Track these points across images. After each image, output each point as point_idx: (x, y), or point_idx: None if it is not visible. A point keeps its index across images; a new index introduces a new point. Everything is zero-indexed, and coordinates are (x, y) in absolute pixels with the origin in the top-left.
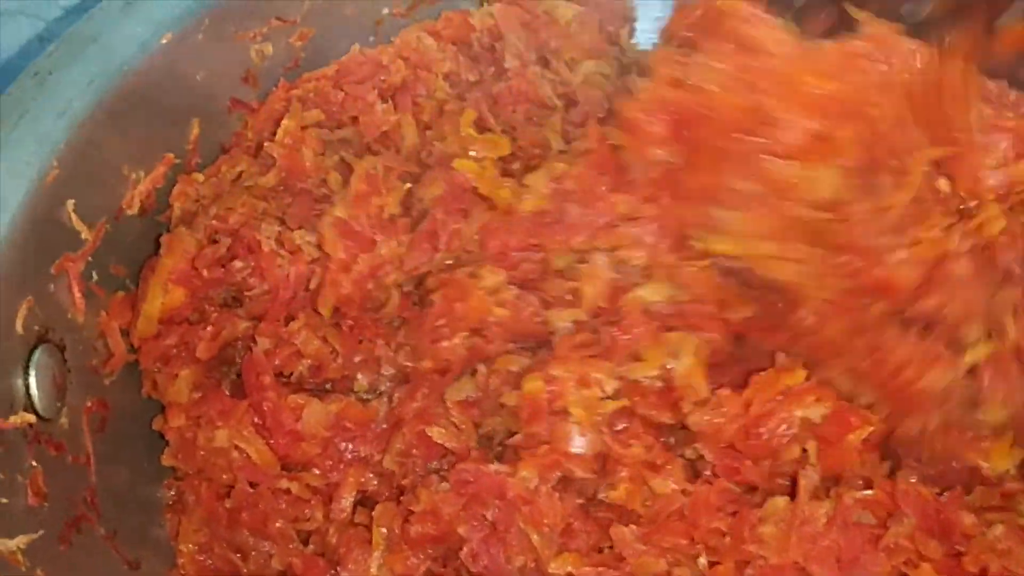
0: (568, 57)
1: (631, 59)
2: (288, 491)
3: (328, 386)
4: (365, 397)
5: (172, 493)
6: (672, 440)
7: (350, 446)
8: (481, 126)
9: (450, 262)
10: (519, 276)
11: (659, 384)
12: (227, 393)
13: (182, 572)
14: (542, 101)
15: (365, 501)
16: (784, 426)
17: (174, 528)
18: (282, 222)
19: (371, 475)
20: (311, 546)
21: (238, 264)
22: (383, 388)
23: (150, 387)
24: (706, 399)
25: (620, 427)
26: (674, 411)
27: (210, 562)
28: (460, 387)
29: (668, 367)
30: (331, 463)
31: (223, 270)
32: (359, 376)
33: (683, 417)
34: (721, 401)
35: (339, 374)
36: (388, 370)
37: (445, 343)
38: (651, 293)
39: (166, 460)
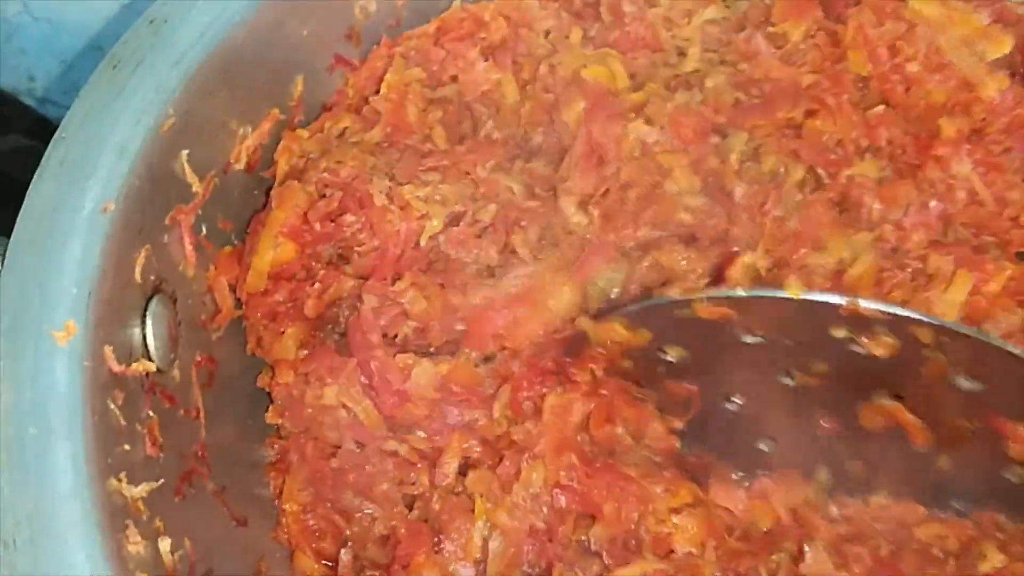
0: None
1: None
2: (395, 453)
3: (432, 349)
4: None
5: (275, 451)
6: None
7: (455, 410)
8: None
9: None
10: None
11: None
12: (334, 350)
13: (285, 531)
14: (660, 46)
15: (469, 469)
16: None
17: (278, 487)
18: (391, 177)
19: (474, 441)
20: (415, 511)
21: (349, 218)
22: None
23: (255, 344)
24: None
25: None
26: None
27: (313, 522)
28: None
29: None
30: (436, 426)
31: (334, 225)
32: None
33: None
34: None
35: (444, 338)
36: None
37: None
38: None
39: (270, 418)
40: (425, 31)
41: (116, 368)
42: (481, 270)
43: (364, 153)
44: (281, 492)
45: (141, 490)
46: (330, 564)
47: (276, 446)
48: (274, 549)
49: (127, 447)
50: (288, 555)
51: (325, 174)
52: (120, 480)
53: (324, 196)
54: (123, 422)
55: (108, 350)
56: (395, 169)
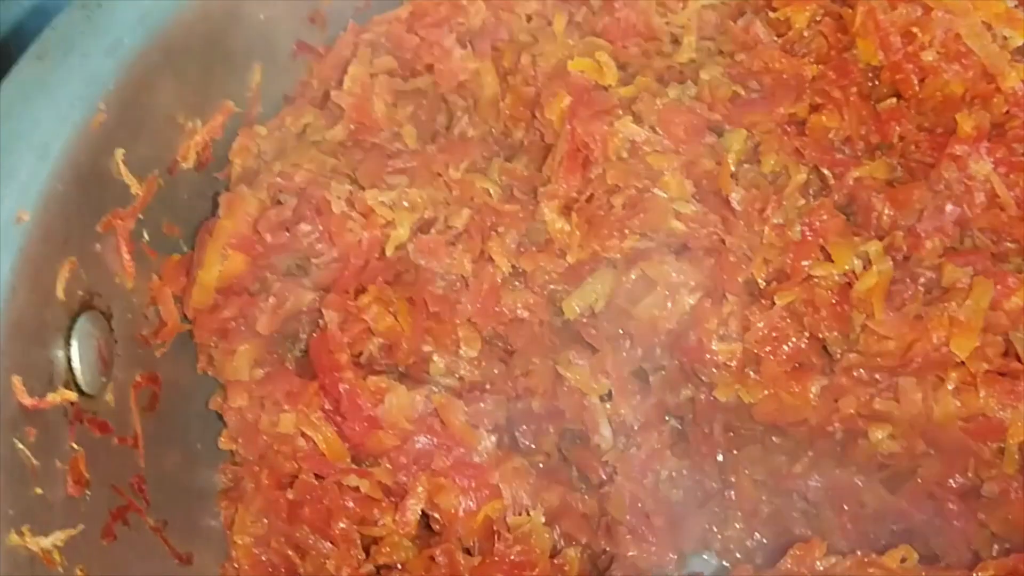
0: None
1: None
2: (357, 489)
3: (401, 369)
4: (442, 381)
5: (229, 479)
6: None
7: (430, 445)
8: None
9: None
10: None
11: None
12: (293, 372)
13: (235, 566)
14: (653, 34)
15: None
16: None
17: (229, 518)
18: (353, 181)
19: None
20: (369, 562)
21: (305, 228)
22: (462, 372)
23: (205, 362)
24: None
25: None
26: None
27: (266, 557)
28: None
29: None
30: (405, 460)
31: (288, 235)
32: (435, 358)
33: None
34: None
35: (413, 356)
36: (469, 351)
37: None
38: None
39: (224, 443)
40: (397, 15)
41: (27, 401)
42: (458, 281)
43: (324, 154)
44: (233, 523)
45: (55, 539)
46: None
47: (229, 473)
48: None
49: (39, 490)
50: None
51: (278, 179)
52: (23, 534)
53: (278, 203)
54: (35, 462)
55: (16, 381)
56: (358, 171)
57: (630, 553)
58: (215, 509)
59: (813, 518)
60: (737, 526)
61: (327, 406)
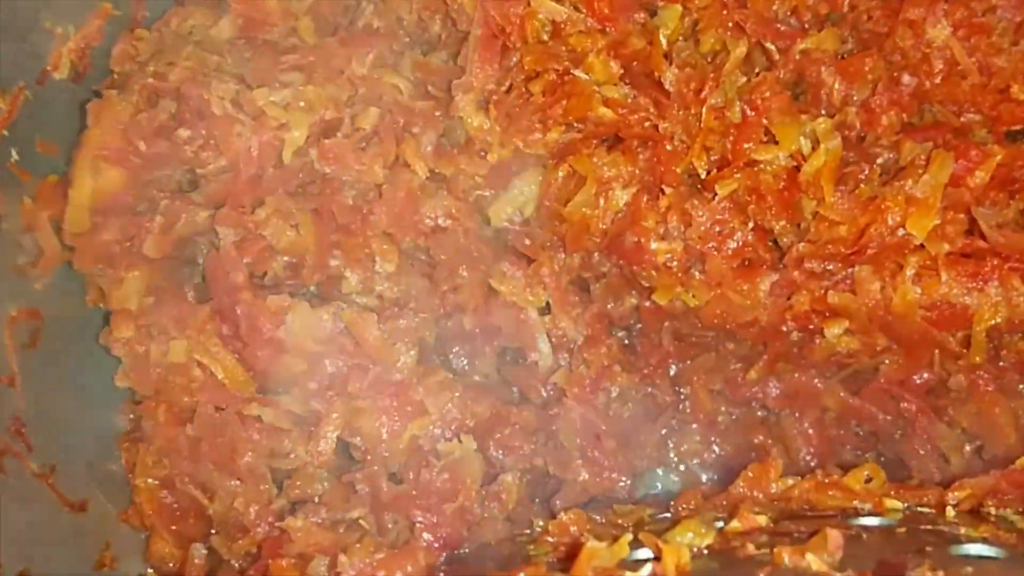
0: None
1: None
2: (259, 419)
3: (313, 288)
4: (355, 300)
5: (129, 420)
6: None
7: (343, 367)
8: None
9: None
10: None
11: None
12: (190, 298)
13: (139, 511)
14: None
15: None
16: None
17: (131, 461)
18: (240, 80)
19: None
20: (282, 496)
21: (184, 133)
22: (380, 289)
23: (96, 294)
24: None
25: None
26: None
27: (171, 499)
28: None
29: None
30: (316, 385)
31: (167, 143)
32: (347, 274)
33: None
34: None
35: (319, 273)
36: (385, 266)
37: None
38: None
39: (119, 380)
40: None
41: None
42: (368, 189)
43: (206, 52)
44: (135, 466)
45: None
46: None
47: (130, 413)
48: (125, 535)
49: None
50: (144, 540)
51: (152, 80)
52: None
53: (153, 107)
54: None
55: None
56: (247, 70)
57: (581, 478)
58: (116, 453)
59: (774, 426)
60: (695, 439)
61: (226, 331)
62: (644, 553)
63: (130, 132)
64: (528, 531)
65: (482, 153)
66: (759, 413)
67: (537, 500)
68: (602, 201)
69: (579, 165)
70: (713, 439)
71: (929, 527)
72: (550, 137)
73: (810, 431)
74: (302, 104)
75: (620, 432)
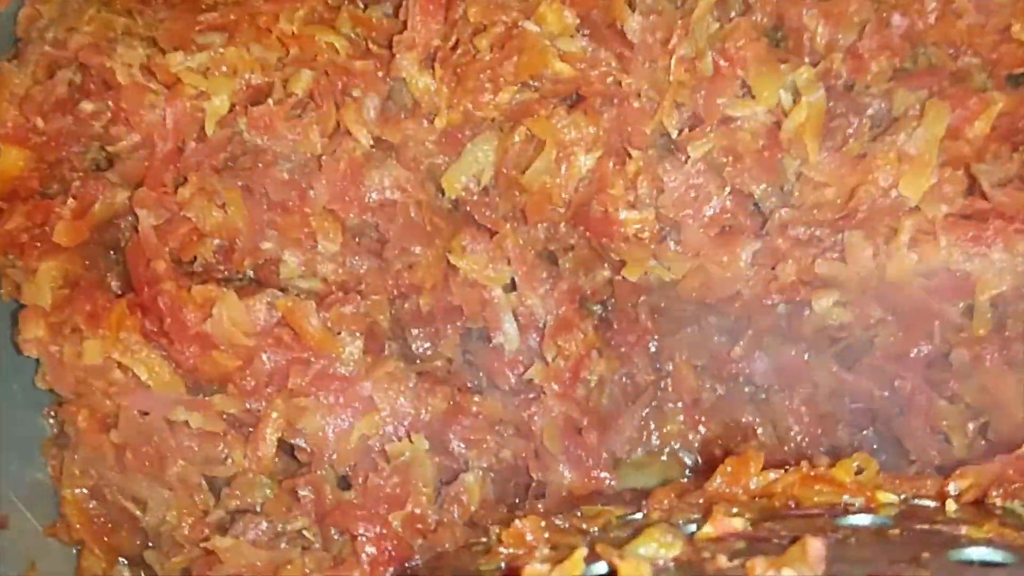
0: None
1: None
2: (187, 424)
3: (250, 273)
4: (299, 285)
5: (55, 424)
6: None
7: (282, 361)
8: None
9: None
10: None
11: None
12: (115, 291)
13: (68, 524)
14: None
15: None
16: None
17: (57, 469)
18: (152, 44)
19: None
20: (220, 507)
21: (88, 107)
22: (324, 272)
23: (11, 287)
24: None
25: None
26: None
27: (101, 511)
28: None
29: None
30: (253, 383)
31: (71, 118)
32: (286, 256)
33: None
34: None
35: (251, 257)
36: (328, 246)
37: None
38: None
39: (39, 382)
40: None
41: None
42: (306, 161)
43: (113, 14)
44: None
45: None
46: (128, 563)
47: (56, 416)
48: (53, 551)
49: None
50: (75, 555)
51: (49, 48)
52: None
53: (50, 79)
54: None
55: None
56: (158, 32)
57: (566, 480)
58: (42, 460)
59: (762, 403)
60: (678, 420)
61: (149, 327)
62: (603, 567)
63: (25, 107)
64: (485, 539)
65: (431, 117)
66: (746, 390)
67: (509, 500)
68: (564, 167)
69: (536, 128)
70: (698, 418)
71: (927, 527)
72: (502, 98)
73: (801, 408)
74: (223, 69)
75: (600, 420)
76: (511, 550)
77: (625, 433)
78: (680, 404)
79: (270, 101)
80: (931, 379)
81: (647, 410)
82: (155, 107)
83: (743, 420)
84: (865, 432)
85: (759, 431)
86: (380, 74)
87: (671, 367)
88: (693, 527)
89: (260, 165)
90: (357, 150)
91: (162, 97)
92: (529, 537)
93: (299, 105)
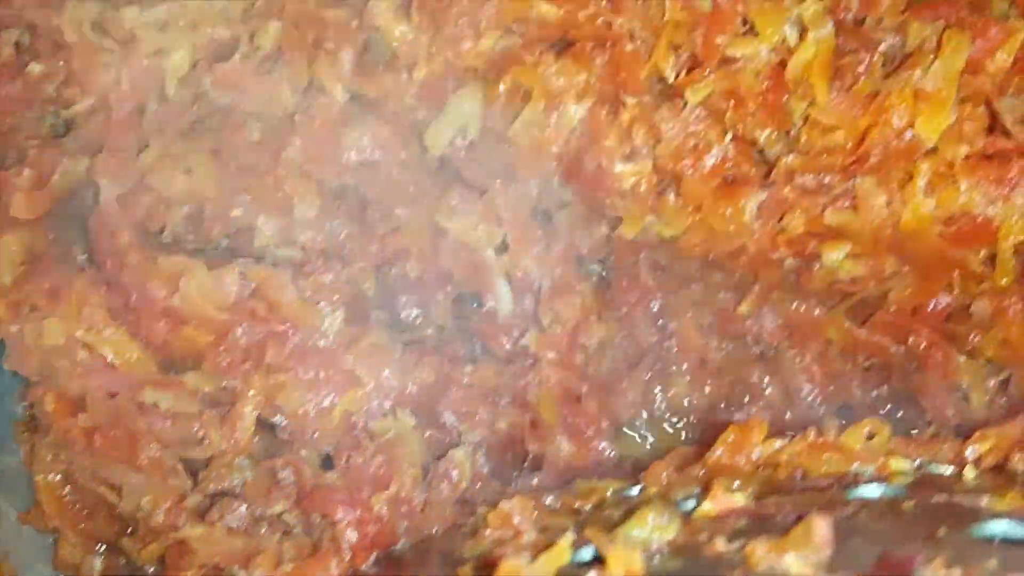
0: None
1: None
2: (156, 406)
3: (224, 242)
4: (276, 253)
5: (24, 406)
6: None
7: (259, 335)
8: None
9: None
10: None
11: None
12: (81, 265)
13: (43, 511)
14: None
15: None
16: None
17: (29, 454)
18: None
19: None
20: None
21: (37, 68)
22: (302, 239)
23: None
24: None
25: None
26: None
27: (76, 497)
28: None
29: None
30: (229, 359)
31: (20, 82)
32: (260, 223)
33: None
34: None
35: (221, 225)
36: (306, 210)
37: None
38: None
39: (6, 362)
40: None
41: None
42: (278, 121)
43: None
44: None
45: None
46: (106, 550)
47: (28, 399)
48: (28, 539)
49: None
50: (52, 543)
51: None
52: None
53: None
54: None
55: None
56: None
57: (563, 452)
58: (14, 444)
59: (771, 361)
60: (684, 381)
61: (116, 303)
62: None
63: None
64: (473, 519)
65: (410, 69)
66: (754, 348)
67: (505, 474)
68: (553, 118)
69: (523, 77)
70: (704, 379)
71: (943, 499)
72: (484, 45)
73: (813, 367)
74: (183, 23)
75: (600, 388)
76: (498, 533)
77: (627, 398)
78: (685, 365)
79: (236, 57)
80: (950, 333)
81: (650, 373)
82: (110, 67)
83: (752, 380)
84: (880, 391)
85: (767, 391)
86: (354, 24)
87: (675, 326)
88: (692, 503)
89: (228, 126)
90: (332, 107)
91: (117, 56)
92: (516, 519)
93: (268, 60)
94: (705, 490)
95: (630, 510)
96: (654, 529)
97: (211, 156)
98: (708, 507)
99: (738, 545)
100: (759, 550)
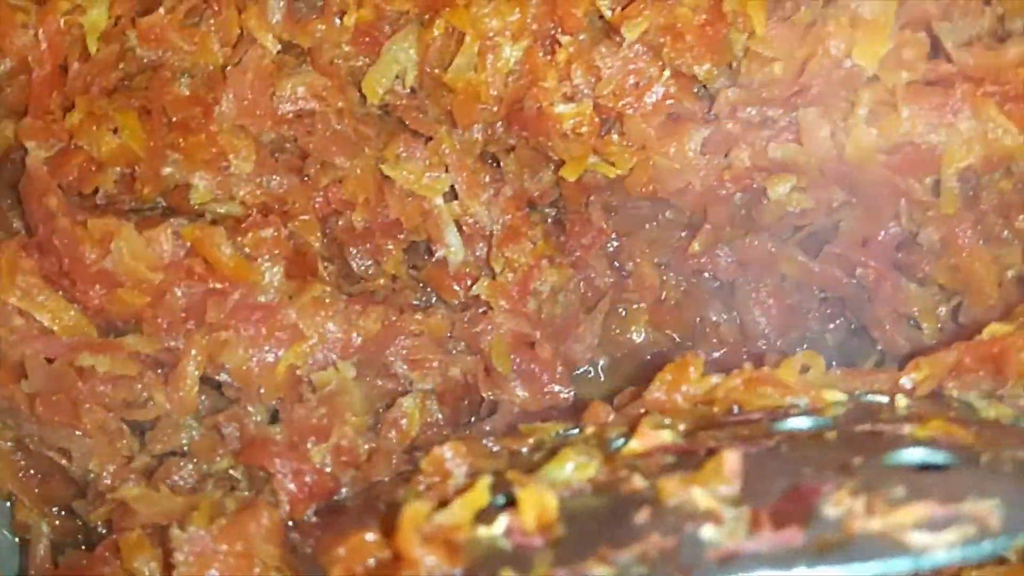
0: None
1: None
2: (93, 369)
3: (161, 202)
4: (215, 210)
5: None
6: None
7: (197, 294)
8: None
9: None
10: None
11: None
12: (17, 230)
13: None
14: None
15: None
16: None
17: None
18: None
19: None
20: (145, 452)
21: None
22: (241, 194)
23: None
24: None
25: None
26: None
27: (28, 462)
28: None
29: None
30: (169, 319)
31: None
32: (196, 180)
33: None
34: None
35: (152, 185)
36: (242, 165)
37: None
38: None
39: None
40: None
41: None
42: (209, 75)
43: None
44: None
45: None
46: (62, 513)
47: None
48: None
49: None
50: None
51: None
52: None
53: None
54: None
55: None
56: None
57: (519, 398)
58: None
59: (728, 297)
60: (642, 320)
61: (49, 267)
62: None
63: None
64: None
65: (342, 15)
66: (710, 284)
67: (462, 421)
68: (489, 61)
69: (455, 19)
70: (663, 318)
71: (867, 428)
72: None
73: (768, 301)
74: None
75: (555, 333)
76: (431, 478)
77: (585, 341)
78: (644, 304)
79: (161, 10)
80: (901, 262)
81: (606, 315)
82: (26, 27)
83: (712, 317)
84: (837, 322)
85: (720, 327)
86: None
87: (631, 267)
88: (622, 441)
89: (157, 82)
90: (265, 58)
91: (33, 15)
92: (448, 464)
93: (194, 12)
94: (632, 431)
95: (553, 450)
96: (576, 468)
97: (140, 114)
98: (635, 445)
99: (653, 482)
100: (670, 485)
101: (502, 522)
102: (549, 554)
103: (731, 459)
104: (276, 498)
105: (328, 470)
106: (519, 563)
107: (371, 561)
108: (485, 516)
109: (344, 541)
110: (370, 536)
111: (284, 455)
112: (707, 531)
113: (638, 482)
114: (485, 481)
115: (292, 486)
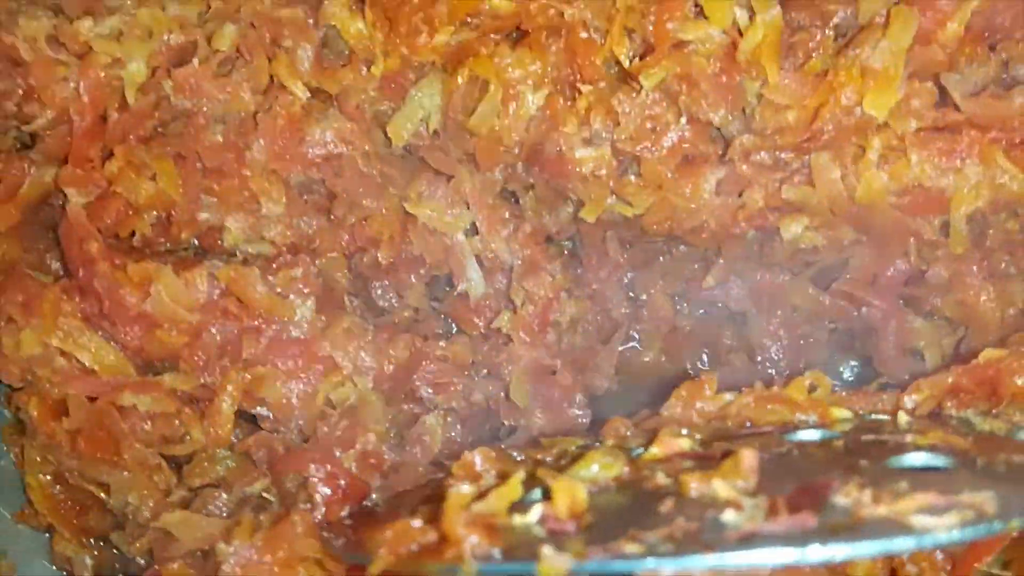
0: None
1: None
2: (135, 408)
3: (195, 243)
4: (247, 250)
5: (13, 410)
6: None
7: (233, 332)
8: None
9: None
10: None
11: None
12: (56, 272)
13: (35, 510)
14: None
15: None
16: None
17: (19, 456)
18: (58, 11)
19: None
20: (182, 486)
21: None
22: (271, 235)
23: None
24: None
25: None
26: None
27: (67, 495)
28: None
29: None
30: (205, 357)
31: None
32: (229, 222)
33: None
34: None
35: (188, 229)
36: (273, 207)
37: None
38: None
39: None
40: None
41: None
42: (241, 121)
43: None
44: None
45: None
46: (100, 544)
47: (15, 403)
48: (25, 537)
49: None
50: (48, 540)
51: None
52: None
53: None
54: None
55: None
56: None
57: (537, 423)
58: (4, 447)
59: (741, 327)
60: (657, 347)
61: (89, 310)
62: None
63: None
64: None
65: (368, 64)
66: (724, 315)
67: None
68: (511, 108)
69: (479, 68)
70: (676, 346)
71: (872, 438)
72: (439, 40)
73: (780, 331)
74: (138, 32)
75: (575, 361)
76: (461, 481)
77: (603, 370)
78: (658, 334)
79: (195, 61)
80: (909, 296)
81: (624, 344)
82: (68, 80)
83: (724, 343)
84: (845, 353)
85: (731, 356)
86: (310, 22)
87: (646, 296)
88: (641, 449)
89: (191, 130)
90: (294, 104)
91: (74, 69)
92: (478, 467)
93: (227, 62)
94: (651, 442)
95: (579, 455)
96: (601, 468)
97: (176, 160)
98: (655, 450)
99: (676, 478)
100: (691, 480)
101: (536, 511)
102: (582, 536)
103: (748, 456)
104: (311, 502)
105: (357, 474)
106: (555, 544)
107: (414, 547)
108: (519, 507)
109: (391, 526)
110: (416, 522)
111: (318, 461)
112: (728, 515)
113: (661, 479)
114: (519, 476)
115: (327, 489)
